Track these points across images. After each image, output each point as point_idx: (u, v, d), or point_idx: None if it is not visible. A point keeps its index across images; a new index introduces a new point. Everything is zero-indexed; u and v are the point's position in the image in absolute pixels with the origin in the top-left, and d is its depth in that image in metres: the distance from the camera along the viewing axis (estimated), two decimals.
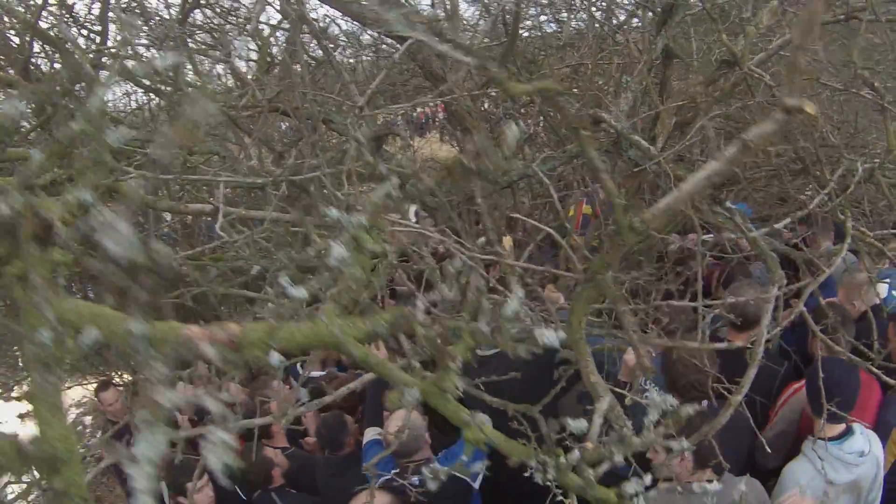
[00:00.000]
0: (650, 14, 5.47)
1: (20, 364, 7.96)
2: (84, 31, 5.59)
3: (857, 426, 3.71)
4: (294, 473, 4.53)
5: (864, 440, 3.69)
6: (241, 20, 5.81)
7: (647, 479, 1.21)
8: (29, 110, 4.36)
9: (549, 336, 1.20)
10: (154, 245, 0.60)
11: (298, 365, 4.36)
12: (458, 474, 3.39)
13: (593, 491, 1.27)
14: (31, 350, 0.87)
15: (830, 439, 3.63)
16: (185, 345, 0.63)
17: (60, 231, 0.88)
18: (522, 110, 6.23)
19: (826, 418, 3.54)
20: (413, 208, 5.20)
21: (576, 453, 1.18)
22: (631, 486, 1.19)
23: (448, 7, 4.51)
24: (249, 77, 4.86)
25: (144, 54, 5.08)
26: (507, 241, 4.85)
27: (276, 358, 1.11)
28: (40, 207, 0.87)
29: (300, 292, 1.04)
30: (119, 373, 7.85)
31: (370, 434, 4.29)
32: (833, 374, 3.52)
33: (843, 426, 3.67)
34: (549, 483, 1.32)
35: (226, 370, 0.89)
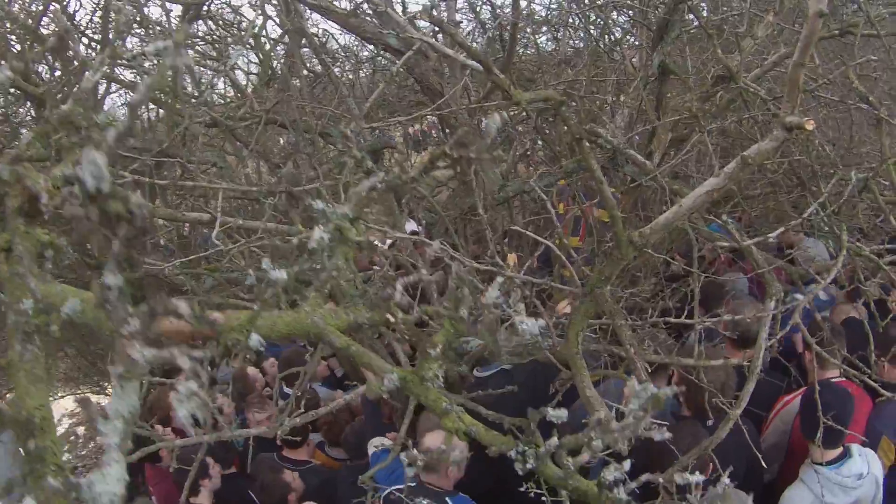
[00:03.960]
0: (646, 31, 5.52)
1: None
2: (85, 40, 5.63)
3: (854, 448, 3.67)
4: (314, 491, 4.45)
5: (863, 462, 3.65)
6: (241, 33, 5.85)
7: (627, 465, 1.20)
8: (29, 118, 4.40)
9: (529, 324, 1.20)
10: (133, 196, 0.61)
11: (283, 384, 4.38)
12: None
13: (573, 481, 1.26)
14: (12, 319, 0.88)
15: (828, 463, 3.60)
16: (157, 300, 0.64)
17: (46, 202, 0.89)
18: (518, 127, 6.27)
19: (821, 444, 3.45)
20: (410, 224, 5.21)
21: (553, 440, 1.18)
22: (610, 473, 1.19)
23: (445, 22, 4.55)
24: (248, 89, 4.89)
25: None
26: (512, 257, 4.85)
27: (255, 340, 1.12)
28: (27, 178, 0.89)
29: (280, 274, 1.04)
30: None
31: (375, 445, 4.26)
32: (827, 400, 3.47)
33: (839, 450, 3.63)
34: (535, 486, 1.32)
35: (197, 329, 0.90)
